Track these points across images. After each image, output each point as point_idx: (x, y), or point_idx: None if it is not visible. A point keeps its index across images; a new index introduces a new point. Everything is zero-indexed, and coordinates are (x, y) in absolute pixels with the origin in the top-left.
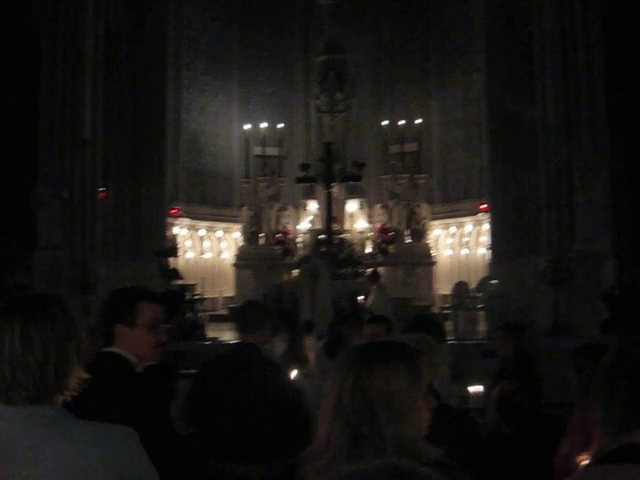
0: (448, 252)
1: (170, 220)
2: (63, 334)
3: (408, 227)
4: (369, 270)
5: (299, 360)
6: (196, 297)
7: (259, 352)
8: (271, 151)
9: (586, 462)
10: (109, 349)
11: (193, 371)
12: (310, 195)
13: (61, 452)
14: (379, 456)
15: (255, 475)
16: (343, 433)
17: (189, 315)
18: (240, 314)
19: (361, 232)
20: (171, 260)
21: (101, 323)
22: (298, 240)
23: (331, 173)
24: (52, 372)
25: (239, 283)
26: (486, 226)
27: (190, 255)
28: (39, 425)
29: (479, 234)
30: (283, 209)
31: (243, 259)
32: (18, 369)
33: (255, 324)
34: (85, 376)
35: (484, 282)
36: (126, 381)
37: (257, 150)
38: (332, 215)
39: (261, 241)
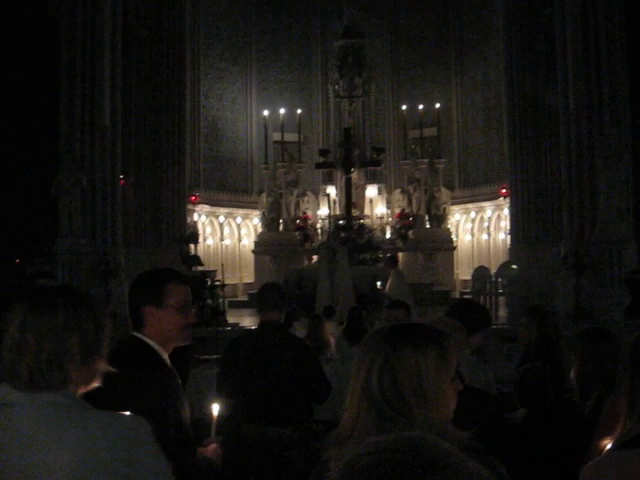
0: (468, 237)
1: (190, 207)
2: (62, 326)
3: (428, 212)
4: (387, 255)
5: (320, 345)
6: (216, 283)
7: (281, 327)
8: (290, 137)
9: (608, 447)
10: (136, 334)
11: (214, 357)
12: (329, 181)
13: (70, 439)
14: None
15: (286, 436)
16: (370, 415)
17: (209, 301)
18: (260, 295)
19: (381, 217)
20: (192, 247)
21: (130, 305)
22: (318, 226)
23: (350, 158)
24: (45, 362)
25: (259, 269)
26: (506, 211)
27: (210, 242)
28: (48, 412)
29: (499, 219)
30: (302, 195)
31: (262, 245)
32: (15, 355)
33: (273, 304)
34: (105, 368)
35: (504, 267)
36: (150, 370)
37: (276, 136)
38: (351, 201)
39: (280, 227)
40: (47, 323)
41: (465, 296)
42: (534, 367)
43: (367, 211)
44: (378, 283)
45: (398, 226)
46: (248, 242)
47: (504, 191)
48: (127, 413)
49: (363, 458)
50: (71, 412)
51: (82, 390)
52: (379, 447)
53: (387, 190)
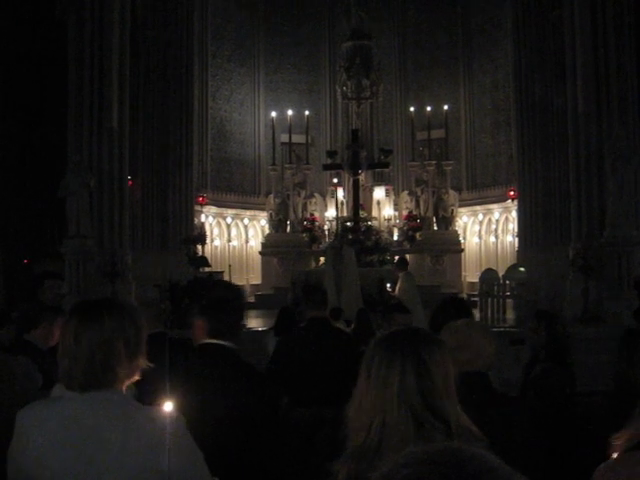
0: (476, 239)
1: (197, 208)
2: (110, 334)
3: (435, 214)
4: (397, 257)
5: None
6: None
7: (329, 323)
8: (297, 138)
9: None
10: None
11: None
12: (337, 182)
13: (116, 432)
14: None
15: (329, 415)
16: (407, 423)
17: None
18: (307, 296)
19: (388, 219)
20: (199, 248)
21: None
22: (325, 227)
23: (358, 160)
24: (98, 366)
25: (266, 271)
26: (514, 213)
27: (217, 243)
28: (96, 407)
29: (507, 221)
30: (310, 196)
31: (270, 247)
32: (72, 361)
33: (320, 302)
34: (145, 364)
35: (512, 270)
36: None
37: (283, 137)
38: (359, 202)
39: (288, 229)
40: (97, 334)
41: (473, 298)
42: (549, 368)
43: (374, 213)
44: (388, 285)
45: (405, 228)
46: (255, 243)
47: (512, 193)
48: (166, 408)
49: (402, 470)
50: (119, 407)
51: (126, 384)
52: (420, 458)
53: (395, 192)
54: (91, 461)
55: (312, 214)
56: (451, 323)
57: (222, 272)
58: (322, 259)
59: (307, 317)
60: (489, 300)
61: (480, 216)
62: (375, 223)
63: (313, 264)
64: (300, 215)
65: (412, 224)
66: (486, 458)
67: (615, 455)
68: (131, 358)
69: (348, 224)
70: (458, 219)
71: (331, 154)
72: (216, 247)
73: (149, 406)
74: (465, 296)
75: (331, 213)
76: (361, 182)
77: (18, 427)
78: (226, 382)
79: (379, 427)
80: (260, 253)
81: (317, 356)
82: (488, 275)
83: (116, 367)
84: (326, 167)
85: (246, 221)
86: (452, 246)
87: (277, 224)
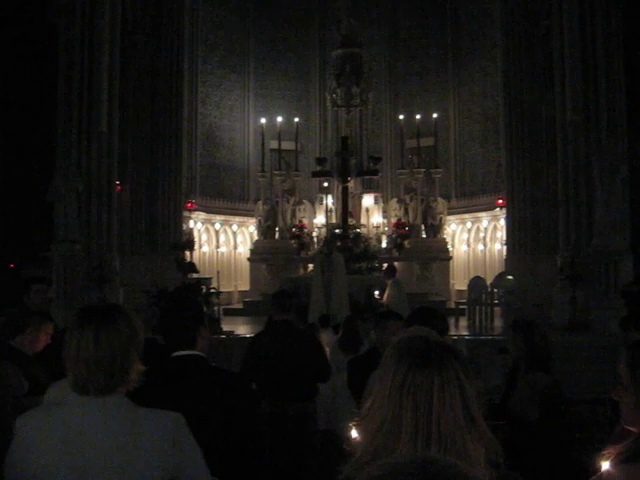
0: (464, 247)
1: (186, 214)
2: (126, 338)
3: (424, 222)
4: (385, 265)
5: None
6: (212, 291)
7: (293, 324)
8: (287, 145)
9: (611, 458)
10: (194, 352)
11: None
12: (326, 189)
13: (125, 434)
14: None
15: (293, 410)
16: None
17: (204, 309)
18: (275, 299)
19: (377, 227)
20: (187, 254)
21: (185, 326)
22: (314, 234)
23: (347, 167)
24: (118, 368)
25: (254, 277)
26: (502, 221)
27: (206, 249)
28: (108, 412)
29: (495, 229)
30: (299, 203)
31: (258, 253)
32: (92, 366)
33: (285, 306)
34: (143, 369)
35: (500, 278)
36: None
37: (273, 144)
38: (348, 209)
39: (276, 235)
40: (116, 339)
41: (461, 306)
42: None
43: (363, 220)
44: (376, 292)
45: (394, 235)
46: (244, 250)
47: (500, 202)
48: (167, 411)
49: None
50: (128, 411)
51: (124, 391)
52: (392, 469)
53: (383, 199)
54: (104, 466)
55: (301, 221)
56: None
57: (210, 278)
58: (310, 266)
59: (274, 320)
60: (477, 308)
61: (468, 224)
62: (364, 230)
63: (301, 271)
64: (289, 222)
65: (401, 232)
66: (459, 468)
67: (606, 467)
68: (139, 362)
69: (337, 231)
70: (446, 227)
71: (320, 161)
72: (204, 253)
73: (152, 409)
74: (453, 304)
75: (320, 220)
76: (350, 189)
77: (19, 434)
78: (205, 387)
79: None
80: (248, 259)
81: (280, 356)
82: (476, 283)
83: (130, 370)
84: (315, 174)
85: (235, 227)
86: (440, 254)
87: (266, 230)
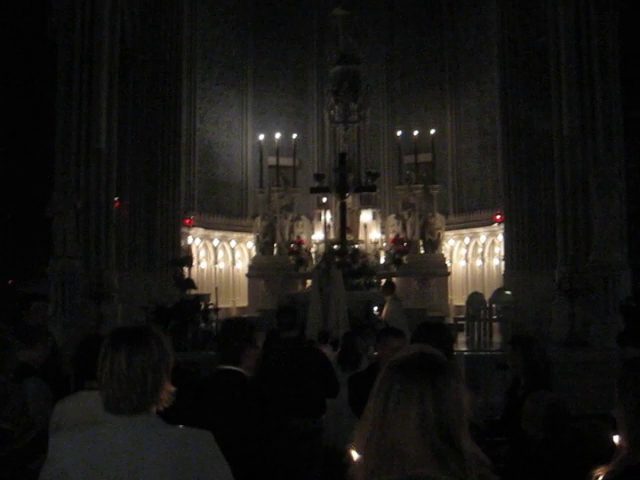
0: (462, 263)
1: (184, 230)
2: (157, 359)
3: (422, 238)
4: (384, 281)
5: None
6: (210, 307)
7: (300, 341)
8: (285, 161)
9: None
10: (235, 368)
11: None
12: (324, 205)
13: (156, 452)
14: (465, 474)
15: (305, 426)
16: (427, 451)
17: (203, 325)
18: (278, 318)
19: (375, 242)
20: (185, 270)
21: (235, 344)
22: (312, 250)
23: (345, 183)
24: (150, 387)
25: (252, 293)
26: (500, 237)
27: (204, 265)
28: (140, 430)
29: (493, 245)
30: (297, 219)
31: (256, 269)
32: (124, 386)
33: (289, 324)
34: (173, 389)
35: (498, 293)
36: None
37: (271, 160)
38: (346, 225)
39: (275, 251)
40: (148, 360)
41: (459, 322)
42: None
43: (361, 236)
44: (375, 308)
45: (392, 251)
46: (242, 266)
47: (498, 217)
48: (196, 429)
49: None
50: (160, 429)
51: (154, 410)
52: None
53: (382, 215)
54: None
55: (299, 237)
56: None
57: (208, 294)
58: (309, 282)
59: (281, 338)
60: (475, 324)
61: (467, 239)
62: (362, 246)
63: (300, 287)
64: (287, 238)
65: (399, 247)
66: None
67: None
68: (168, 382)
69: (335, 247)
70: (445, 242)
71: (318, 177)
72: (203, 269)
73: (181, 426)
74: (452, 319)
75: (318, 236)
76: (348, 205)
77: (54, 454)
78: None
79: (401, 461)
80: (247, 275)
81: (289, 373)
82: (474, 298)
83: (161, 390)
84: (313, 190)
85: (233, 243)
86: (439, 269)
87: (264, 246)
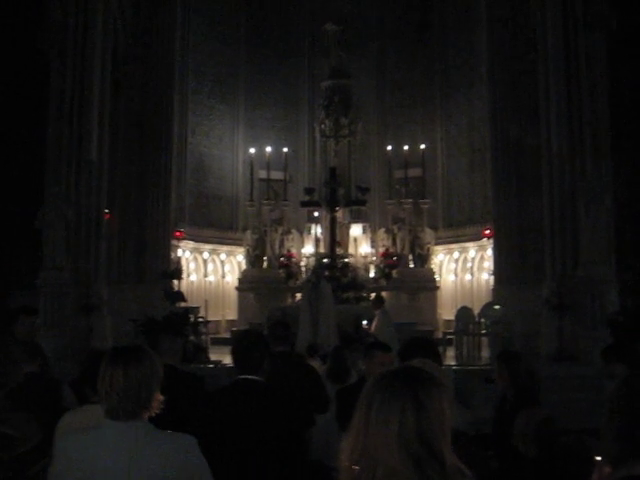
0: (451, 277)
1: (174, 242)
2: (149, 373)
3: (412, 252)
4: (373, 295)
5: None
6: (199, 320)
7: (291, 355)
8: (276, 175)
9: None
10: (255, 377)
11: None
12: (314, 219)
13: (150, 452)
14: None
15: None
16: (408, 462)
17: (192, 338)
18: (271, 331)
19: (365, 256)
20: (175, 282)
21: (256, 355)
22: (302, 264)
23: (335, 197)
24: (143, 396)
25: (242, 306)
26: (489, 251)
27: (194, 278)
28: (135, 434)
29: (482, 259)
30: (287, 233)
31: (246, 282)
32: (122, 395)
33: (282, 337)
34: (162, 398)
35: (487, 308)
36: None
37: (262, 174)
38: (336, 239)
39: (265, 264)
40: (142, 373)
41: (448, 336)
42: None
43: (351, 250)
44: (364, 322)
45: (382, 265)
46: (232, 279)
47: (487, 232)
48: (183, 434)
49: None
50: (153, 432)
51: (146, 416)
52: None
53: (371, 229)
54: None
55: (289, 250)
56: (406, 363)
57: (198, 307)
58: (298, 295)
59: (273, 352)
60: (465, 338)
61: (456, 254)
62: (352, 260)
63: (289, 300)
64: (277, 251)
65: (388, 261)
66: None
67: None
68: (158, 392)
69: (325, 260)
70: (434, 257)
71: (309, 191)
72: (192, 282)
73: (168, 431)
74: (441, 334)
75: (308, 249)
76: (338, 219)
77: (61, 453)
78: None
79: (383, 470)
80: (236, 289)
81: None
82: (464, 313)
83: (152, 399)
84: (304, 204)
85: (223, 256)
86: (428, 284)
87: (254, 260)
